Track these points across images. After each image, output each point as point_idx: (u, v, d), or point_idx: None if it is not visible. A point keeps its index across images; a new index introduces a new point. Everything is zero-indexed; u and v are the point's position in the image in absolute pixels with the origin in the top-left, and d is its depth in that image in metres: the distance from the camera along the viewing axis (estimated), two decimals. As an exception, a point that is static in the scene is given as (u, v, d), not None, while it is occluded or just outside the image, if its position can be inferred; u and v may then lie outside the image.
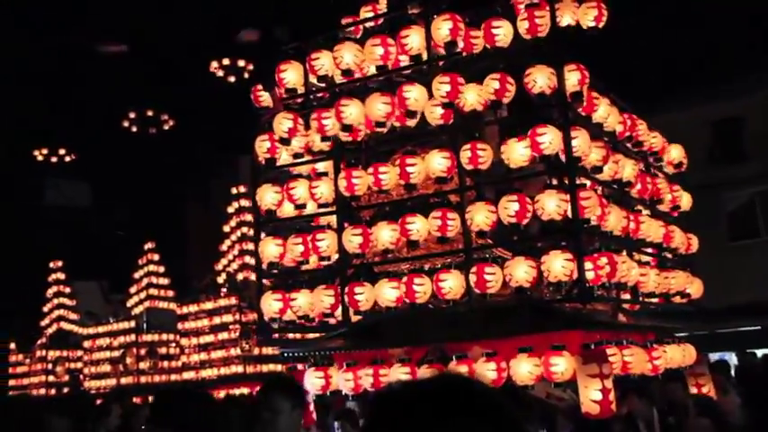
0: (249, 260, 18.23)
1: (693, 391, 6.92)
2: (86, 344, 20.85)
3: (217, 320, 18.03)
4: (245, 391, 15.85)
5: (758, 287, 16.78)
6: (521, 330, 5.47)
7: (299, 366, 6.71)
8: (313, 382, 5.85)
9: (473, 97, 5.61)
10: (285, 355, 7.11)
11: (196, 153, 25.64)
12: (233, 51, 20.31)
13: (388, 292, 5.66)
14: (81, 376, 21.00)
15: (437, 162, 5.62)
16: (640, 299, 6.42)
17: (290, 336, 6.98)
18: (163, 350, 19.54)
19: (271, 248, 6.26)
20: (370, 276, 5.92)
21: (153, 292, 20.26)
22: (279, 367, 15.28)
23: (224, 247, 19.94)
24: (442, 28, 5.71)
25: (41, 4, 19.03)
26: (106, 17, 19.73)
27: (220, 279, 19.76)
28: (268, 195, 6.23)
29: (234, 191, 19.93)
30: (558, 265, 5.17)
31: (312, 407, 6.11)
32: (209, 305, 18.40)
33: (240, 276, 19.04)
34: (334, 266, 6.07)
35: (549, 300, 5.49)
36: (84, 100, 22.56)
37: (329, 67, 6.14)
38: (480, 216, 5.38)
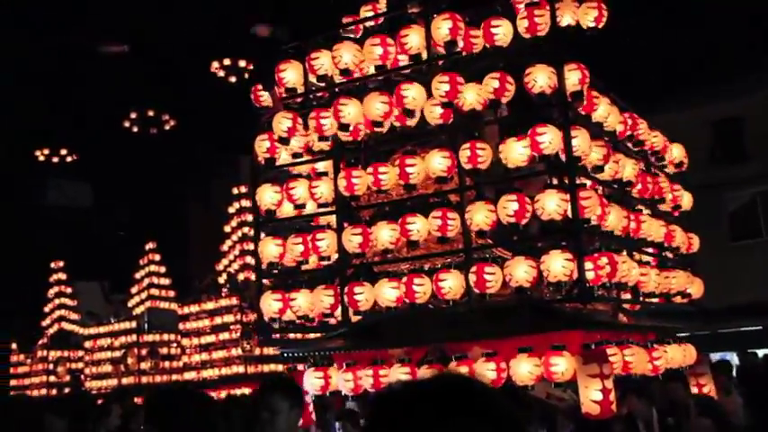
0: (250, 260, 18.21)
1: (694, 391, 6.91)
2: (87, 344, 20.87)
3: (218, 321, 18.06)
4: (247, 391, 15.85)
5: (759, 287, 16.77)
6: (521, 330, 5.45)
7: (300, 366, 6.70)
8: (312, 382, 5.84)
9: (472, 97, 5.60)
10: (285, 355, 7.09)
11: (197, 153, 25.65)
12: (233, 51, 20.30)
13: (387, 292, 5.65)
14: (82, 376, 21.03)
15: (437, 162, 5.61)
16: (641, 299, 6.41)
17: (290, 336, 6.97)
18: (164, 350, 19.56)
19: (270, 248, 6.25)
20: (369, 276, 5.92)
21: (154, 292, 20.26)
22: (280, 367, 15.26)
23: (225, 248, 19.95)
24: (442, 27, 5.70)
25: (41, 4, 19.05)
26: (106, 17, 19.74)
27: (221, 279, 19.77)
28: (268, 195, 6.23)
29: (235, 191, 19.94)
30: (558, 265, 5.16)
31: (311, 407, 6.10)
32: (210, 305, 18.42)
33: (241, 276, 19.04)
34: (334, 266, 6.07)
35: (549, 300, 5.47)
36: (86, 100, 22.59)
37: (329, 67, 6.13)
38: (480, 215, 5.37)
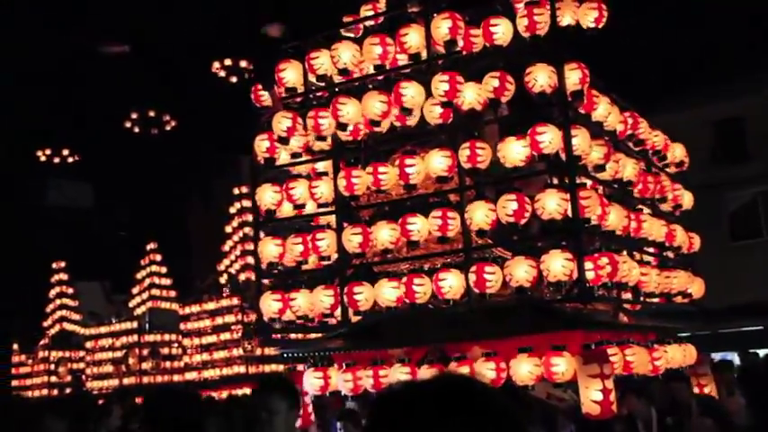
0: (251, 260, 18.18)
1: (695, 391, 6.90)
2: (89, 344, 20.86)
3: (219, 321, 18.06)
4: (248, 391, 15.84)
5: (760, 287, 16.75)
6: (521, 330, 5.45)
7: (300, 367, 6.69)
8: (312, 382, 5.84)
9: (472, 96, 5.60)
10: (285, 355, 7.09)
11: (198, 153, 25.64)
12: (234, 51, 20.29)
13: (387, 292, 5.65)
14: (83, 377, 21.03)
15: (437, 161, 5.60)
16: (641, 299, 6.40)
17: (290, 336, 6.96)
18: (165, 350, 19.56)
19: (270, 248, 6.25)
20: (369, 276, 5.91)
21: (155, 292, 20.25)
22: (281, 368, 15.26)
23: (226, 248, 19.94)
24: (442, 26, 5.69)
25: (41, 4, 19.04)
26: (107, 17, 19.73)
27: (222, 279, 19.77)
28: (267, 195, 6.22)
29: (236, 191, 19.92)
30: (559, 264, 5.15)
31: (311, 407, 6.09)
32: (211, 305, 18.42)
33: (242, 277, 19.02)
34: (334, 266, 6.06)
35: (549, 300, 5.47)
36: (86, 100, 22.57)
37: (328, 67, 6.13)
38: (480, 215, 5.36)
